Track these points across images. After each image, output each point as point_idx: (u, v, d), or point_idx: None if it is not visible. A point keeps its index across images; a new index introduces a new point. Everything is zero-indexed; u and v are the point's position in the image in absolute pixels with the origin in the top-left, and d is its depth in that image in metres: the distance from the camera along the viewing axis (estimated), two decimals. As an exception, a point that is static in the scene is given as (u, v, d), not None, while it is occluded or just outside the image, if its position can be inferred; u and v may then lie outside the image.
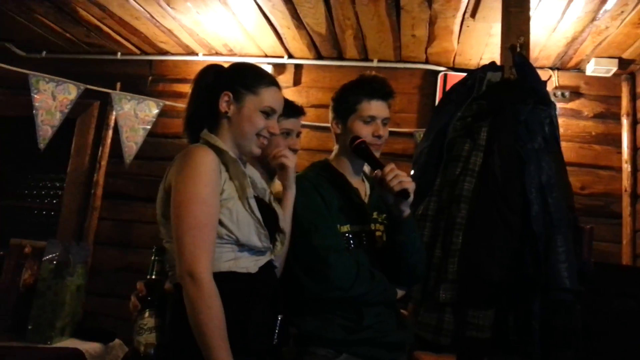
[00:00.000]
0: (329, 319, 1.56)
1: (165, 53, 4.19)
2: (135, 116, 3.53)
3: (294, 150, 1.80)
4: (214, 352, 1.20)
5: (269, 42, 3.78)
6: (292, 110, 1.75)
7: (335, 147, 1.80)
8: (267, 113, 1.47)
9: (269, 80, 1.50)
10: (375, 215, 1.72)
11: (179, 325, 1.27)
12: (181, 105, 3.89)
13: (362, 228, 1.67)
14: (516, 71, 2.18)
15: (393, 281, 1.64)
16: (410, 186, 1.50)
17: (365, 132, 1.67)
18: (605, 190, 3.57)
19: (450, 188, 2.06)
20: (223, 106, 1.45)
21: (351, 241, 1.62)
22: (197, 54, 4.13)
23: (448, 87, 3.70)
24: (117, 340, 2.40)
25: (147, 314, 1.40)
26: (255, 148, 1.47)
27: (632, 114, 3.55)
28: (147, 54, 4.22)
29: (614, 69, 3.47)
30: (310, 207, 1.60)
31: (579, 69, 3.69)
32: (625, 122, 3.55)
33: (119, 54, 4.21)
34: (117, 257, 3.94)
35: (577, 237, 1.97)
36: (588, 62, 3.53)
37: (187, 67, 4.21)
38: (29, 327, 2.10)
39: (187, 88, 4.03)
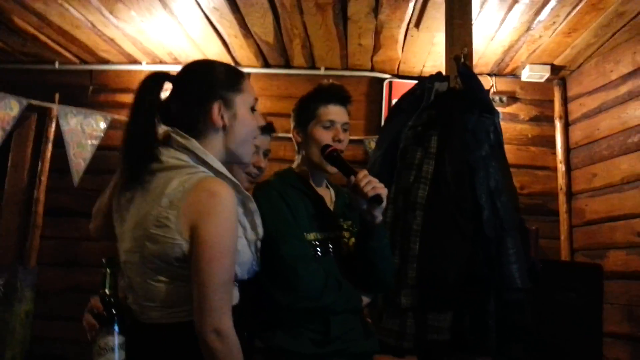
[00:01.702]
0: (298, 332, 1.55)
1: (107, 62, 4.06)
2: (82, 131, 3.40)
3: (258, 168, 1.81)
4: None
5: (215, 51, 3.75)
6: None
7: (298, 157, 1.81)
8: (253, 108, 1.36)
9: (240, 72, 1.38)
10: (341, 222, 1.74)
11: None
12: (120, 117, 3.78)
13: (329, 235, 1.68)
14: (461, 81, 2.28)
15: (361, 288, 1.66)
16: (383, 192, 1.53)
17: (325, 137, 1.68)
18: (542, 189, 3.79)
19: (404, 195, 2.13)
20: (217, 120, 1.29)
21: (318, 249, 1.63)
22: (140, 63, 4.04)
23: (393, 94, 3.82)
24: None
25: (107, 332, 1.29)
26: (249, 157, 1.44)
27: (564, 117, 3.78)
28: (87, 63, 4.08)
29: (547, 74, 3.69)
30: (276, 216, 1.59)
31: (514, 74, 3.89)
32: (558, 124, 3.78)
33: (57, 63, 4.04)
34: (62, 277, 3.76)
35: (524, 237, 2.09)
36: (523, 68, 3.73)
37: (129, 77, 4.10)
38: (-24, 360, 2.00)
39: (130, 98, 4.01)
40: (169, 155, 1.27)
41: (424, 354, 2.00)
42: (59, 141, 3.70)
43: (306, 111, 1.74)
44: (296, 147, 1.81)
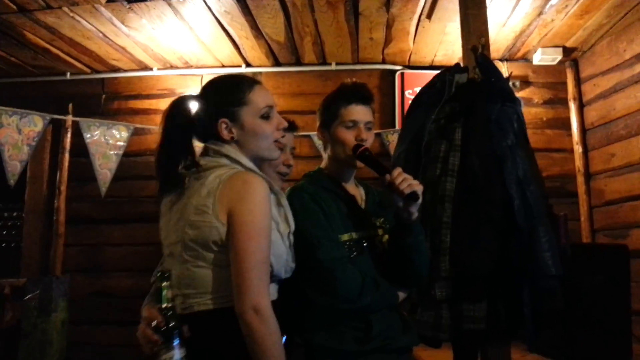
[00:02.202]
0: (339, 330, 1.57)
1: (117, 70, 4.08)
2: (106, 143, 3.43)
3: (288, 166, 1.84)
4: None
5: (226, 53, 3.76)
6: None
7: (325, 156, 1.82)
8: (267, 115, 1.44)
9: (248, 83, 1.46)
10: (373, 220, 1.76)
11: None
12: (143, 126, 3.83)
13: (363, 234, 1.69)
14: (480, 71, 2.28)
15: (397, 284, 1.68)
16: (419, 188, 1.54)
17: (348, 137, 1.68)
18: (560, 171, 3.79)
19: (432, 189, 2.13)
20: (225, 134, 1.42)
21: (353, 249, 1.64)
22: (151, 69, 4.06)
23: (406, 85, 3.82)
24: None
25: (169, 347, 1.32)
26: (275, 153, 1.50)
27: (578, 98, 3.77)
28: (98, 72, 4.11)
29: (559, 57, 3.68)
30: (311, 220, 1.60)
31: (526, 59, 3.88)
32: (572, 106, 3.77)
33: (69, 74, 4.07)
34: (87, 283, 3.82)
35: (553, 224, 2.09)
36: (534, 52, 3.72)
37: (141, 83, 4.14)
38: (18, 371, 2.04)
39: (143, 104, 4.09)
40: (206, 161, 1.41)
41: (460, 343, 2.02)
42: (76, 151, 3.75)
43: (329, 111, 1.74)
44: (322, 147, 1.83)
